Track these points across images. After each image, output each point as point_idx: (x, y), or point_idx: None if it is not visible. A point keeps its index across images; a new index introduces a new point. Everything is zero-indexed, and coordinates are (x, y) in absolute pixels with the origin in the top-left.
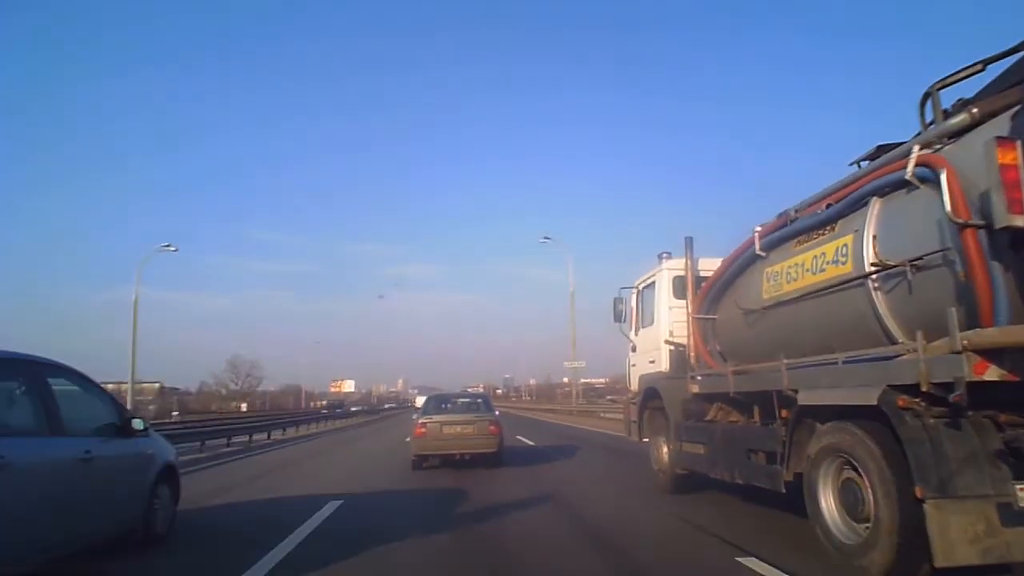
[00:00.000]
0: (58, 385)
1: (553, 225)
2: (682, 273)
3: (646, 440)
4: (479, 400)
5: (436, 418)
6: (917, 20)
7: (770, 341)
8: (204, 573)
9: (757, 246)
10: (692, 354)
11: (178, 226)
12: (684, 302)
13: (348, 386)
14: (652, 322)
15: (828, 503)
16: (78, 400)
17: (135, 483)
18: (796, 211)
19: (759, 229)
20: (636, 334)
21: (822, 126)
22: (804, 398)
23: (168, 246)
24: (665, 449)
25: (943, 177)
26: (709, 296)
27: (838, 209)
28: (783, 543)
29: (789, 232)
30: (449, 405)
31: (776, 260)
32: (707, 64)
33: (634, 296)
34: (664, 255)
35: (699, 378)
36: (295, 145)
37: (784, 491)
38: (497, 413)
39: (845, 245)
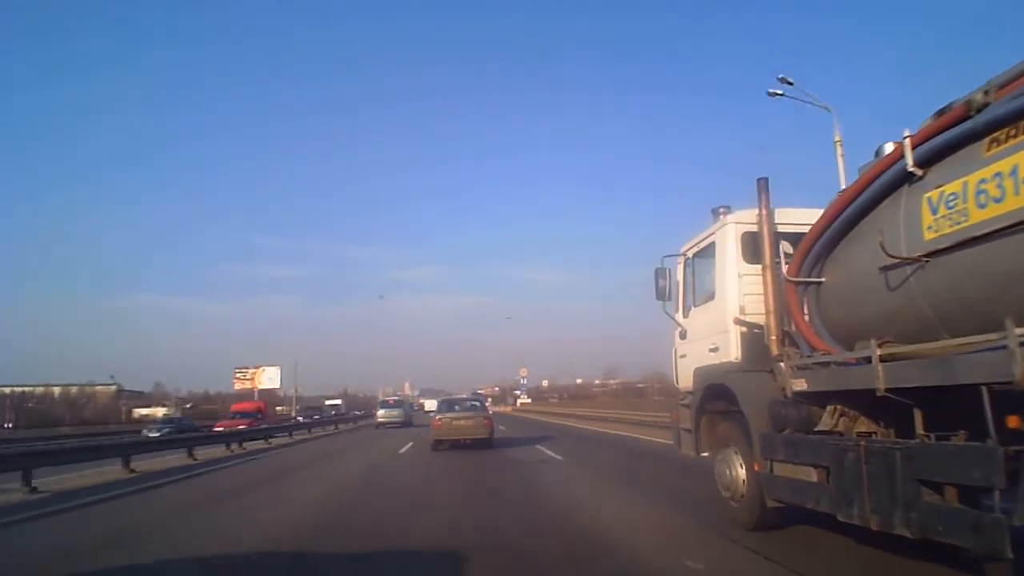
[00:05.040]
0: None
1: (556, 225)
2: (755, 227)
3: (704, 455)
4: (477, 402)
5: (448, 415)
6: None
7: (935, 306)
8: None
9: (909, 160)
10: (774, 337)
11: (180, 229)
12: (760, 267)
13: (267, 378)
14: (712, 297)
15: None
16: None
17: (409, 414)
18: (986, 92)
19: (909, 135)
20: (685, 315)
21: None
22: None
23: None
24: (742, 470)
25: None
26: (812, 253)
27: None
28: None
29: (976, 127)
30: (457, 406)
31: (949, 177)
32: (712, 60)
33: (681, 267)
34: (721, 210)
35: (808, 368)
36: (297, 148)
37: (1011, 555)
38: (490, 412)
39: None
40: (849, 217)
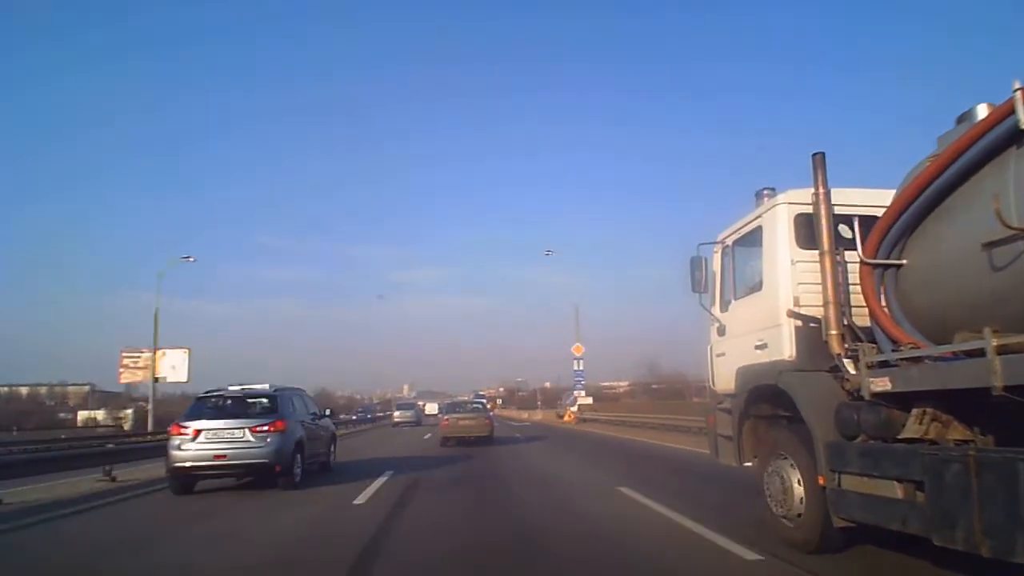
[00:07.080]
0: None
1: (556, 226)
2: (809, 209)
3: (748, 465)
4: (479, 404)
5: (454, 416)
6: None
7: None
8: None
9: (1023, 116)
10: (834, 331)
11: (181, 230)
12: (816, 253)
13: (169, 365)
14: (758, 288)
15: None
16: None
17: (420, 416)
18: None
19: (1021, 88)
20: (723, 309)
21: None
22: None
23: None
24: (800, 485)
25: None
26: (892, 231)
27: None
28: None
29: None
30: (460, 409)
31: None
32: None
33: (718, 256)
34: (766, 192)
35: (892, 365)
36: (297, 148)
37: None
38: (492, 413)
39: None
40: (938, 189)
